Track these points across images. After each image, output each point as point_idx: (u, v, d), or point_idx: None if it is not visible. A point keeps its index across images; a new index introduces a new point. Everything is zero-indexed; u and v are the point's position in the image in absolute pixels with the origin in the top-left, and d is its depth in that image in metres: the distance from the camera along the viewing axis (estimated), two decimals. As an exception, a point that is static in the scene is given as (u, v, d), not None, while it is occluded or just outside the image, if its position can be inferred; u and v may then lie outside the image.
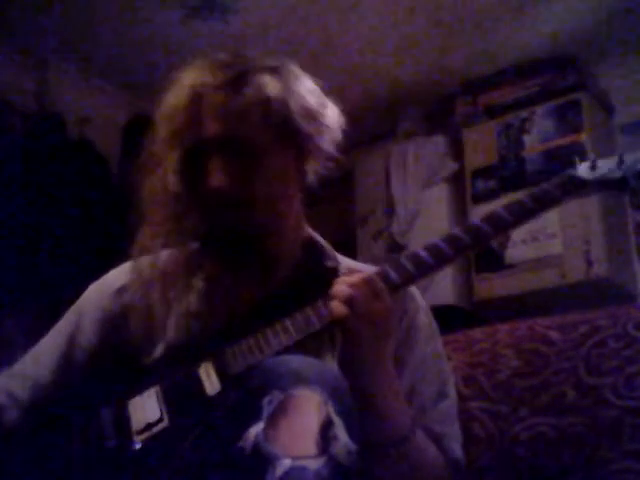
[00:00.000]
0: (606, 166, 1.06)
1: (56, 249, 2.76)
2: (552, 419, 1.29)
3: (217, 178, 1.07)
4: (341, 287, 1.01)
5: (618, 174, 1.05)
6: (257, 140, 1.09)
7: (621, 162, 1.05)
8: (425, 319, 1.20)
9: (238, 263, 1.15)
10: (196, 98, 1.09)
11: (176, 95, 1.11)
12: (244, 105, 1.08)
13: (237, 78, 1.09)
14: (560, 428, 1.28)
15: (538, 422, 1.31)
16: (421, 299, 1.22)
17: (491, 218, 1.05)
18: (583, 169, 1.06)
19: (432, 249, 1.05)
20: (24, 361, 1.19)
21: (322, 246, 1.22)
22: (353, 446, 0.84)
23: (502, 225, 1.05)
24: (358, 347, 1.00)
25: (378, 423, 1.01)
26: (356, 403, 0.94)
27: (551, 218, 2.79)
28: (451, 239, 1.05)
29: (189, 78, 1.11)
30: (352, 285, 1.00)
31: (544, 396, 1.32)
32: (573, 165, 1.08)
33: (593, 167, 1.06)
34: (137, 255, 1.16)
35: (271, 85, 1.09)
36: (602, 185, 1.06)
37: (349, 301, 0.99)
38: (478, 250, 0.99)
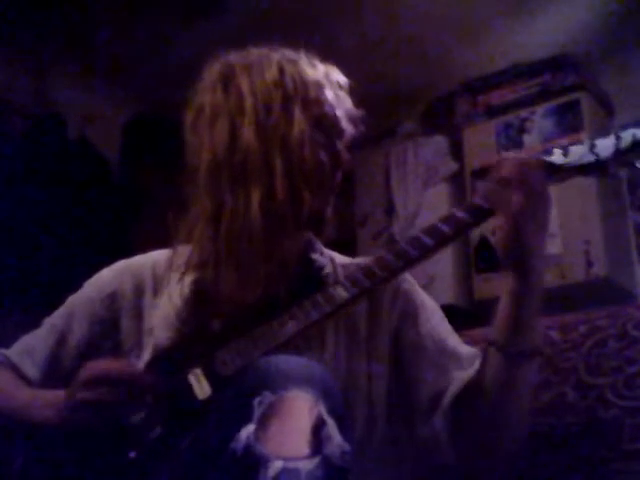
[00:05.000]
0: (578, 151, 1.06)
1: (56, 248, 2.76)
2: (552, 419, 1.29)
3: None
4: (508, 170, 1.03)
5: (591, 158, 1.05)
6: None
7: (593, 147, 1.05)
8: (422, 294, 1.22)
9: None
10: (332, 84, 1.21)
11: (312, 70, 1.18)
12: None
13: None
14: (560, 428, 1.28)
15: (538, 422, 1.31)
16: (413, 280, 1.23)
17: (472, 208, 1.08)
18: (556, 155, 1.07)
19: None
20: (20, 353, 1.19)
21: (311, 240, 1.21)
22: (347, 446, 0.83)
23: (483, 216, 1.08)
24: (529, 227, 1.10)
25: (525, 330, 1.07)
26: (512, 306, 1.08)
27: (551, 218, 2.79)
28: None
29: (315, 61, 1.20)
30: (516, 166, 1.03)
31: (544, 396, 1.32)
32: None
33: (565, 153, 1.07)
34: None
35: None
36: (577, 171, 1.07)
37: (524, 179, 1.02)
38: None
